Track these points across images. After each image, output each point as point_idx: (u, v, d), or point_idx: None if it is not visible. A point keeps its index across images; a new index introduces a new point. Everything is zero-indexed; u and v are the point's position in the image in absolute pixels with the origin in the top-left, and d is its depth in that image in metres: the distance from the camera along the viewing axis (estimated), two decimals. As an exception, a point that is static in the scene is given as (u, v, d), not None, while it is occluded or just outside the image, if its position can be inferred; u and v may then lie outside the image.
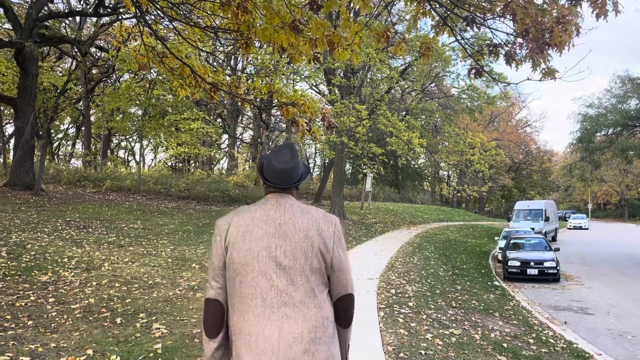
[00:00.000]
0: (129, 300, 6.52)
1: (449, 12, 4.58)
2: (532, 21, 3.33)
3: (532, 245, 16.22)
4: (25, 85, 18.15)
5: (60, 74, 30.82)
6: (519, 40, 3.90)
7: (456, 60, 21.33)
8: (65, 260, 8.45)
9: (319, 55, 4.58)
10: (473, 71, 5.10)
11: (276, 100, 6.46)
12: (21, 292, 6.31)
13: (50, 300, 6.11)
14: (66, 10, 19.50)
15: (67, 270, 7.77)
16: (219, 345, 2.04)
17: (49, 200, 17.33)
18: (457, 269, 14.38)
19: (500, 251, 18.46)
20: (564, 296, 12.55)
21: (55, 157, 43.03)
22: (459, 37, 4.30)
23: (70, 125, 44.76)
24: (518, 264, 14.63)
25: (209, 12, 6.03)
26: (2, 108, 28.27)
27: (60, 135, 48.02)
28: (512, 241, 16.55)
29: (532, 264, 14.58)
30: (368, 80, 21.05)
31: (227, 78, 6.66)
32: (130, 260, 9.28)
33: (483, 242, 25.64)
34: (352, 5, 4.92)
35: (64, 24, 24.34)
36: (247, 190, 25.51)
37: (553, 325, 8.73)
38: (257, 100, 6.93)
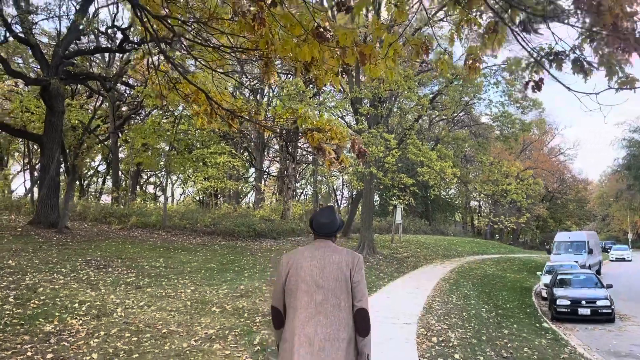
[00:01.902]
0: (137, 355, 5.78)
1: (502, 15, 3.86)
2: (624, 12, 2.58)
3: (581, 282, 14.89)
4: (52, 122, 18.12)
5: (91, 112, 31.26)
6: (600, 36, 3.13)
7: (488, 87, 20.55)
8: (76, 305, 7.82)
9: (347, 67, 3.90)
10: (531, 84, 4.33)
11: (301, 128, 5.78)
12: (18, 346, 5.65)
13: (48, 356, 5.42)
14: (92, 47, 19.64)
15: (76, 318, 7.12)
16: (281, 333, 3.00)
17: (73, 238, 16.98)
18: (501, 309, 13.22)
19: (545, 288, 17.13)
20: (623, 339, 11.27)
21: (87, 193, 43.47)
22: (520, 39, 3.55)
23: (101, 162, 45.34)
24: (567, 302, 13.36)
25: (226, 31, 5.46)
26: (35, 147, 28.62)
27: (90, 173, 48.75)
28: (558, 277, 15.25)
29: (583, 302, 13.29)
30: (396, 109, 20.39)
31: (248, 104, 6.04)
32: (146, 304, 8.60)
33: (523, 276, 24.17)
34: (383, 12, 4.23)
35: (94, 61, 24.64)
36: (273, 224, 24.79)
37: (621, 378, 7.58)
38: (281, 128, 6.26)
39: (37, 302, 7.73)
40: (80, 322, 6.98)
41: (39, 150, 19.57)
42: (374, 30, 4.04)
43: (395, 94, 21.71)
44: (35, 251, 13.70)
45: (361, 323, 2.87)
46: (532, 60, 4.33)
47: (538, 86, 4.26)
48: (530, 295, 18.34)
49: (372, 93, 17.85)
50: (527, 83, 4.32)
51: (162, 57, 6.35)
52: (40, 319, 6.84)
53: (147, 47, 6.98)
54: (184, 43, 5.76)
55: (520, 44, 3.50)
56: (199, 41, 5.40)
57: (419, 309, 10.70)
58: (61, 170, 21.22)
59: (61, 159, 18.93)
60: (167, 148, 31.29)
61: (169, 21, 5.45)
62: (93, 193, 47.92)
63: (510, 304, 14.46)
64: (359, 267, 2.95)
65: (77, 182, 41.21)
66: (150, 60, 6.25)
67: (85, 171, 49.87)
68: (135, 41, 18.57)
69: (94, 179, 49.48)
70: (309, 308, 2.84)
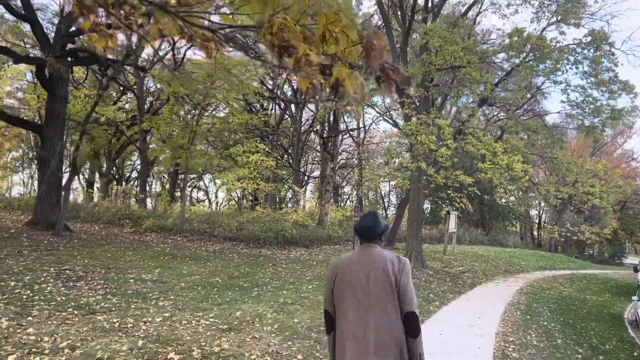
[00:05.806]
0: None
1: None
2: None
3: None
4: (52, 109, 15.93)
5: (124, 109, 29.47)
6: None
7: (567, 66, 16.70)
8: (-52, 348, 5.06)
9: None
10: None
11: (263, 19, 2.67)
12: None
13: None
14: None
15: None
16: (332, 338, 3.15)
17: (68, 242, 14.63)
18: (599, 352, 9.56)
19: (646, 318, 13.20)
20: None
21: (120, 194, 41.95)
22: None
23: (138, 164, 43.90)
24: (697, 346, 9.55)
25: None
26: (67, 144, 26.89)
27: (130, 174, 47.61)
28: (676, 308, 11.33)
29: None
30: (454, 93, 16.92)
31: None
32: (72, 345, 5.73)
33: (606, 299, 19.89)
34: None
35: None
36: (307, 230, 21.74)
37: None
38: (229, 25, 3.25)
39: None
40: None
41: (40, 141, 17.43)
42: None
43: (452, 77, 18.22)
44: (6, 257, 11.31)
45: (411, 325, 2.96)
46: None
47: None
48: (624, 327, 14.36)
49: (423, 71, 14.47)
50: None
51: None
52: None
53: None
54: None
55: None
56: None
57: (487, 356, 7.29)
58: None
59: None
60: (208, 148, 29.07)
61: None
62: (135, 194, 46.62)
63: (609, 343, 10.71)
64: (406, 271, 3.04)
65: (116, 182, 39.92)
66: None
67: (129, 173, 48.89)
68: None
69: (136, 181, 48.30)
70: (356, 313, 2.97)
